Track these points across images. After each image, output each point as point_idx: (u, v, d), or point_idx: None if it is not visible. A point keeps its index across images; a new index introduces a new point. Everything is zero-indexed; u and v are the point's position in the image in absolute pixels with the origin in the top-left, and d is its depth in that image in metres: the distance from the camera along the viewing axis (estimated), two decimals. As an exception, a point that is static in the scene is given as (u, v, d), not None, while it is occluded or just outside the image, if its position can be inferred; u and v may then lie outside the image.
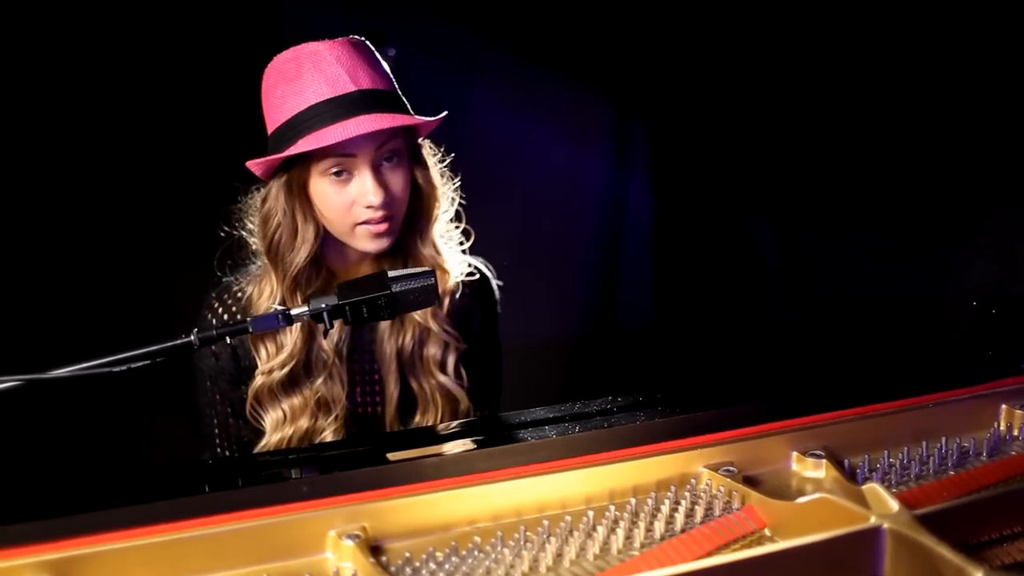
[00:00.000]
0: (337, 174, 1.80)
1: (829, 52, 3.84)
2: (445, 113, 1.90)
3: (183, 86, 3.19)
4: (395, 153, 1.83)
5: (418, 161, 1.90)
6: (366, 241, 1.85)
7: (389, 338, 1.95)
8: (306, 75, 1.78)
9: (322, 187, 1.82)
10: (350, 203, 1.81)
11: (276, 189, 1.85)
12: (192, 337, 1.50)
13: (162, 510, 1.26)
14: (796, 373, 1.96)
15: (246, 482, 1.42)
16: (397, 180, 1.84)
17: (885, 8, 3.72)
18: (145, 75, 3.16)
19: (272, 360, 1.88)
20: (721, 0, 4.01)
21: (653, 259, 4.38)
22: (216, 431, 1.98)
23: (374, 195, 1.79)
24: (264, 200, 1.88)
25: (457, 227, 2.03)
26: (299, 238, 1.86)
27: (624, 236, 4.36)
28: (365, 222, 1.82)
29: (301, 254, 1.86)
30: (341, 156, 1.78)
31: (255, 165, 1.83)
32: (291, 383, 1.89)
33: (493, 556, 1.31)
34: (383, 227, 1.83)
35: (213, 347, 1.91)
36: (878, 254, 3.88)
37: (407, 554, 1.31)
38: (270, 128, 1.85)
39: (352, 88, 1.77)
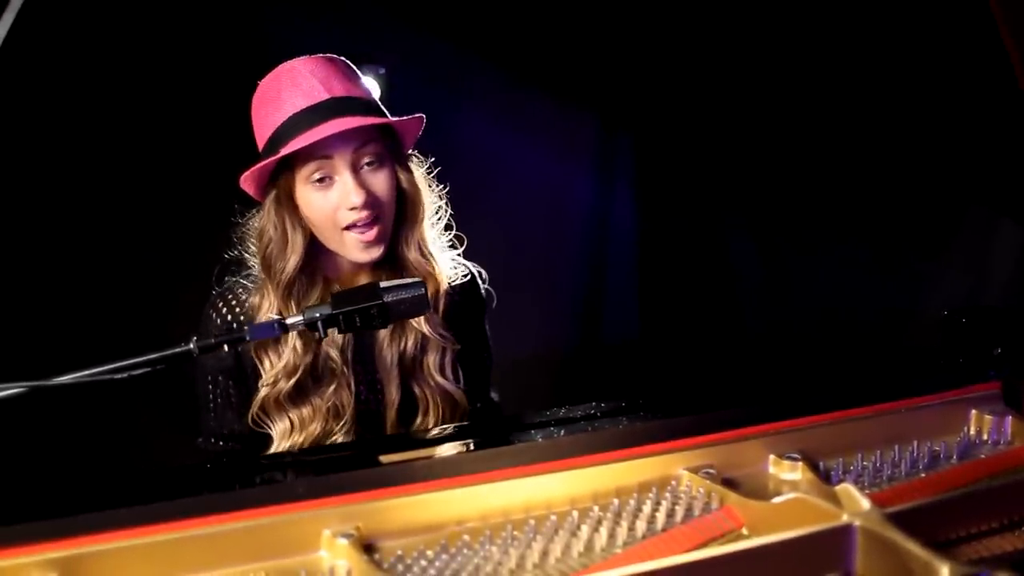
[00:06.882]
0: (320, 181, 1.87)
1: (805, 68, 3.91)
2: (422, 116, 1.96)
3: (184, 107, 3.24)
4: (376, 157, 1.90)
5: (402, 166, 1.97)
6: (357, 251, 1.92)
7: (389, 346, 2.00)
8: (284, 91, 1.88)
9: (307, 195, 1.89)
10: (334, 208, 1.88)
11: (268, 205, 1.93)
12: (191, 345, 1.55)
13: (163, 510, 1.30)
14: (774, 380, 2.00)
15: (243, 484, 1.45)
16: (379, 182, 1.90)
17: (856, 26, 3.79)
18: (147, 95, 3.22)
19: (275, 369, 1.93)
20: (701, 17, 4.08)
21: (638, 272, 4.43)
22: (212, 415, 2.02)
23: (355, 195, 1.86)
24: (260, 218, 1.97)
25: (448, 233, 2.08)
26: (289, 247, 1.92)
27: (608, 250, 4.41)
28: (351, 226, 1.88)
29: (291, 263, 1.92)
30: (320, 160, 1.86)
31: (246, 183, 1.91)
32: (299, 393, 1.95)
33: (482, 554, 1.36)
34: (371, 234, 1.89)
35: None
36: (855, 266, 3.94)
37: (399, 552, 1.35)
38: (260, 147, 1.92)
39: (326, 96, 1.86)
